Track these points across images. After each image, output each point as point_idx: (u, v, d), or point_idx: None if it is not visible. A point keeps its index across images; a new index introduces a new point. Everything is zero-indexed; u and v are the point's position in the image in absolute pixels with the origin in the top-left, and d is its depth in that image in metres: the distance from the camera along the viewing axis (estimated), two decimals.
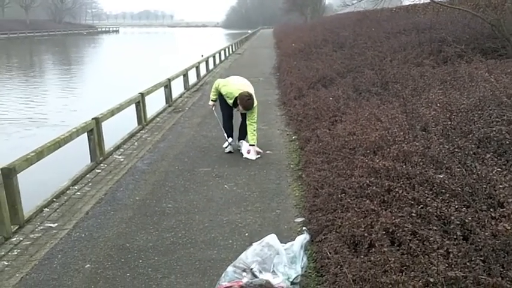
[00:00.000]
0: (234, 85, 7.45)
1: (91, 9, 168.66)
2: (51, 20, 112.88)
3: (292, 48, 20.89)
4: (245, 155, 7.40)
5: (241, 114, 7.66)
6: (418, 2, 18.22)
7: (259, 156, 7.36)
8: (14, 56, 47.44)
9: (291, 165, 6.86)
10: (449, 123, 4.66)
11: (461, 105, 5.27)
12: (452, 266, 2.64)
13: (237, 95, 7.23)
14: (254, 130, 7.41)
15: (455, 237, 2.84)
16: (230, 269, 3.61)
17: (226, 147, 7.75)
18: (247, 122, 7.42)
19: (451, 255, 2.78)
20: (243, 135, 7.77)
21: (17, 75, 29.81)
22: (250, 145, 7.41)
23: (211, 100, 7.77)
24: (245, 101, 7.16)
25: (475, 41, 9.99)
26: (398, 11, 21.45)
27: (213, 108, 7.89)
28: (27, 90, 22.68)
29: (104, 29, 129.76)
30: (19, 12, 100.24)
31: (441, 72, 7.98)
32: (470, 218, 2.87)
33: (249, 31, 68.00)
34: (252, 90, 7.35)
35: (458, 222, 2.87)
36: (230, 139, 7.75)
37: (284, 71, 15.78)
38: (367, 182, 3.91)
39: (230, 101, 7.41)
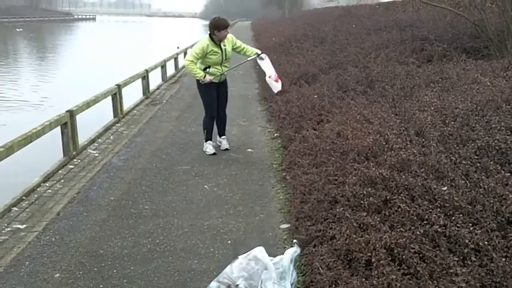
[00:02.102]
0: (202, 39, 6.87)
1: None
2: (28, 6, 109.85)
3: (272, 42, 20.54)
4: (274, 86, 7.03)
5: (218, 106, 7.14)
6: None
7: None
8: None
9: (274, 165, 6.57)
10: (446, 128, 4.42)
11: (456, 109, 5.05)
12: None
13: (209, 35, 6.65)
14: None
15: (469, 262, 2.58)
16: (214, 284, 3.31)
17: (207, 150, 7.15)
18: (242, 52, 7.03)
19: (458, 280, 2.54)
20: (222, 130, 7.44)
21: None
22: (261, 54, 6.95)
23: (200, 76, 6.70)
24: (216, 20, 6.61)
25: (457, 40, 9.88)
26: (378, 7, 21.28)
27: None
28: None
29: (80, 17, 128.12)
30: None
31: (428, 71, 7.77)
32: (486, 242, 2.61)
33: None
34: None
35: (473, 247, 2.61)
36: (209, 142, 7.20)
37: None
38: (364, 192, 3.63)
39: (213, 51, 6.62)
